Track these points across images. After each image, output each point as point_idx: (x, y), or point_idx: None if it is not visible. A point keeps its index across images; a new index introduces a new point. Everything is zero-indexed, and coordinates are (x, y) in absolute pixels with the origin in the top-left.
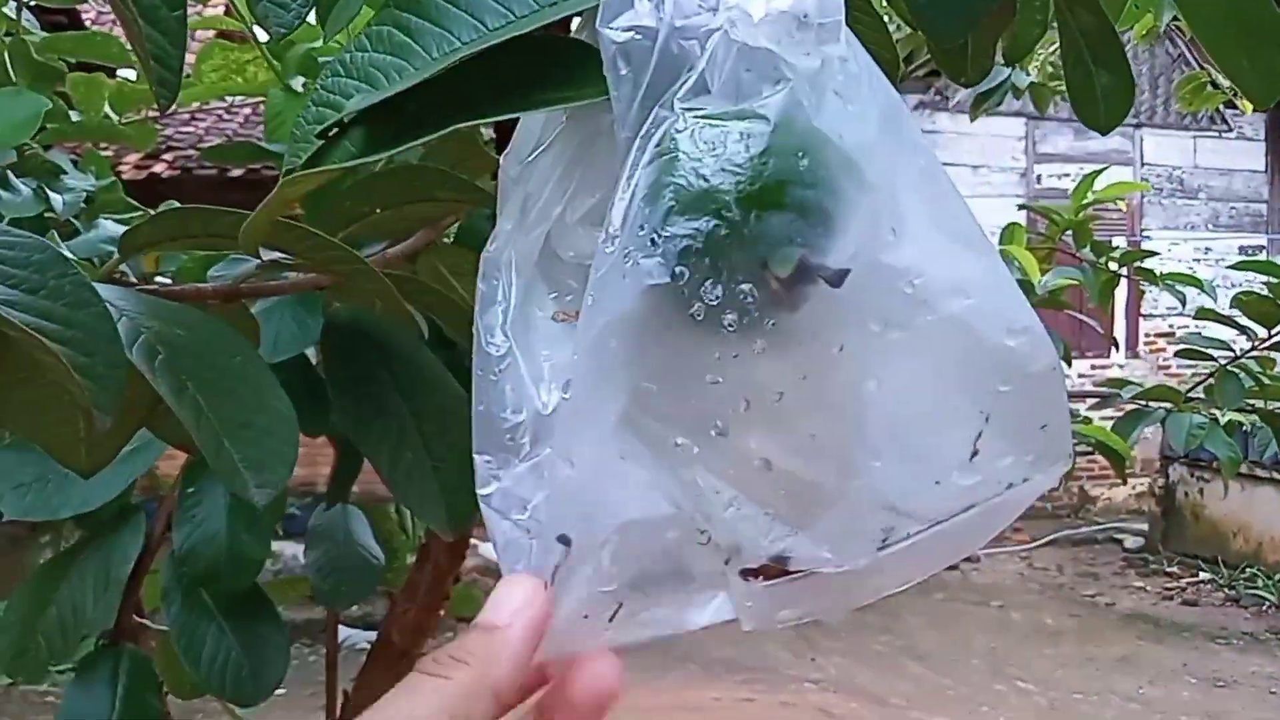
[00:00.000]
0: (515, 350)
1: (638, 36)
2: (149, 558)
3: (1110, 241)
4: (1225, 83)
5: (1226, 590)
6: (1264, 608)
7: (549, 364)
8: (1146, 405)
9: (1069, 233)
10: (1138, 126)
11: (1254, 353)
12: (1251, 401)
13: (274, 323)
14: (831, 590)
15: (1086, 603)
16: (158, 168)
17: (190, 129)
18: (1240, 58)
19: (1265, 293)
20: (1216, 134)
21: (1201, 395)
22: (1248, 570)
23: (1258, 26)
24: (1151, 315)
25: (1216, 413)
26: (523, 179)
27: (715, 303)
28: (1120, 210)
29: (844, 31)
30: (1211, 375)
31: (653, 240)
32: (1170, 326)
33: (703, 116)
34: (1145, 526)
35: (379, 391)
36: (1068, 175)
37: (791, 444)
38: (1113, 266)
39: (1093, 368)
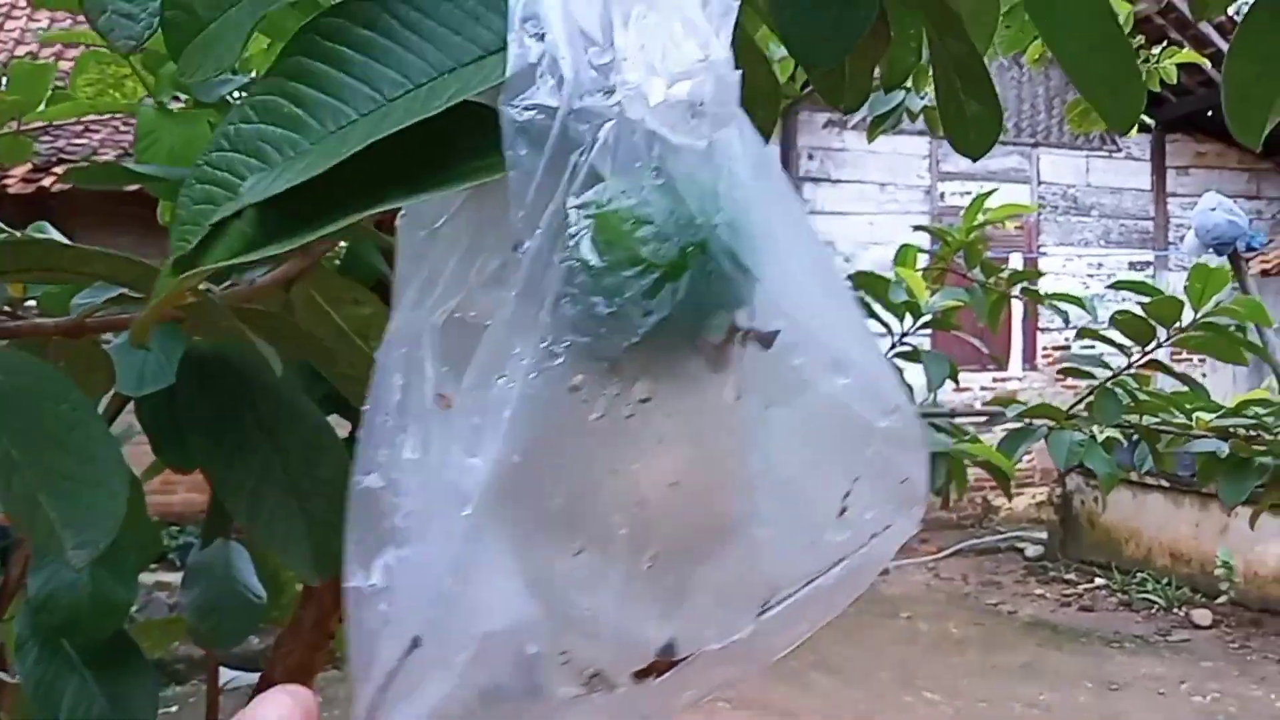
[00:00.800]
0: (404, 434)
1: (539, 115)
2: (3, 604)
3: (1007, 258)
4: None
5: (1120, 595)
6: (1154, 610)
7: (433, 452)
8: (1030, 423)
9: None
10: (1034, 146)
11: (1130, 370)
12: (1129, 417)
13: (138, 356)
14: (723, 663)
15: (990, 611)
16: (47, 181)
17: (83, 141)
18: (1101, 88)
19: (1140, 311)
20: (1107, 154)
21: (1084, 412)
22: (1139, 575)
23: (1115, 60)
24: (1049, 329)
25: (1095, 430)
26: (425, 253)
27: (608, 402)
28: (1018, 227)
29: (738, 117)
30: (1092, 392)
31: (551, 352)
32: (1066, 340)
33: (598, 209)
34: (1045, 535)
35: (239, 426)
36: (969, 193)
37: (678, 531)
38: (1003, 286)
39: (994, 380)
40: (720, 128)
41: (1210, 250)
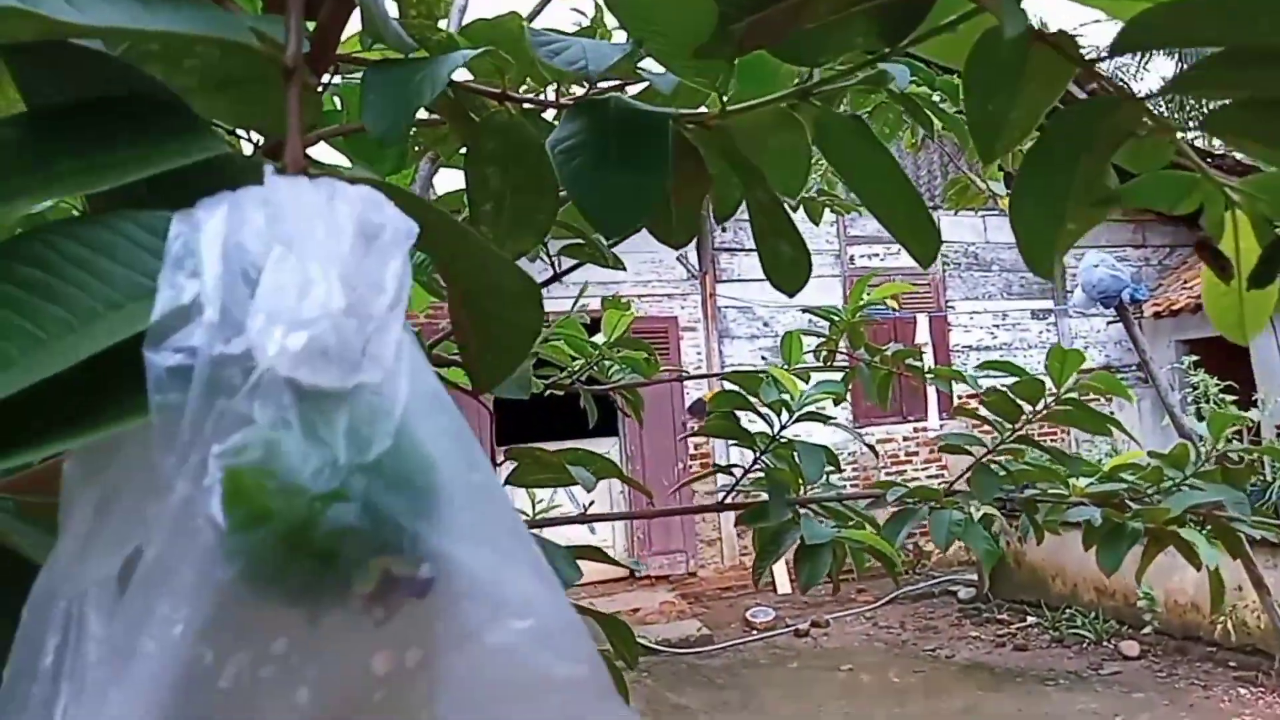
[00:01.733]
0: (58, 700)
1: (185, 360)
2: None
3: (915, 319)
4: (983, 185)
5: (1051, 632)
6: (1084, 645)
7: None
8: (914, 504)
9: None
10: (934, 209)
11: (1003, 446)
12: (1007, 488)
13: None
14: None
15: (928, 657)
16: None
17: None
18: (903, 231)
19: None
20: (1001, 212)
21: (965, 488)
22: (1068, 611)
23: (910, 208)
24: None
25: (973, 507)
26: (89, 498)
27: (238, 666)
28: (926, 285)
29: (395, 357)
30: (969, 469)
31: (171, 619)
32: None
33: (232, 462)
34: (975, 577)
35: None
36: (877, 255)
37: None
38: (889, 364)
39: (914, 430)
40: (352, 374)
41: (1097, 304)
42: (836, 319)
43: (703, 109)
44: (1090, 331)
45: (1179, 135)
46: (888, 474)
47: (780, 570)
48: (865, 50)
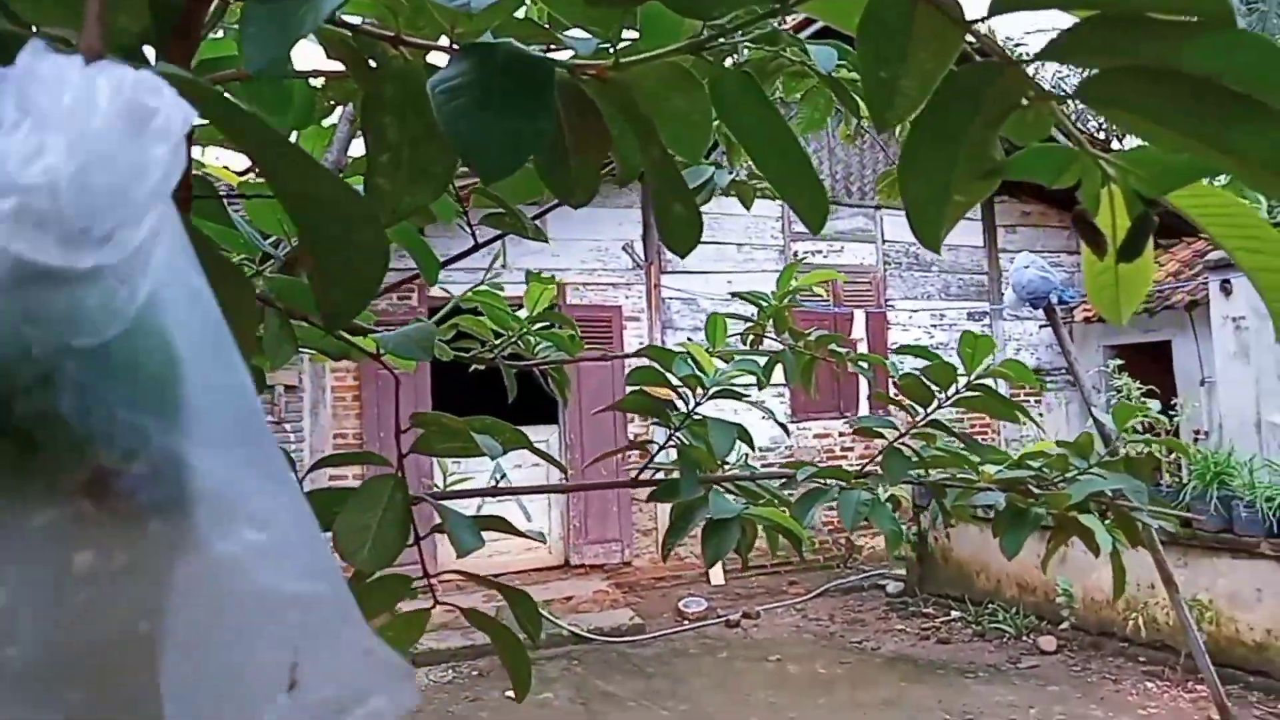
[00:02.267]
0: None
1: None
2: None
3: (852, 314)
4: None
5: (974, 626)
6: (1005, 639)
7: None
8: (825, 484)
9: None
10: (877, 208)
11: (915, 429)
12: (915, 472)
13: None
14: None
15: (855, 649)
16: None
17: None
18: (796, 194)
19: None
20: None
21: (878, 470)
22: (990, 606)
23: (803, 177)
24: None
25: (881, 489)
26: None
27: None
28: (868, 283)
29: (146, 246)
30: (880, 452)
31: None
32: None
33: None
34: (904, 571)
35: None
36: (820, 251)
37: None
38: (812, 349)
39: (848, 424)
40: (81, 253)
41: (1027, 304)
42: (764, 305)
43: (599, 60)
44: (1024, 334)
45: (1060, 107)
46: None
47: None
48: (760, 5)
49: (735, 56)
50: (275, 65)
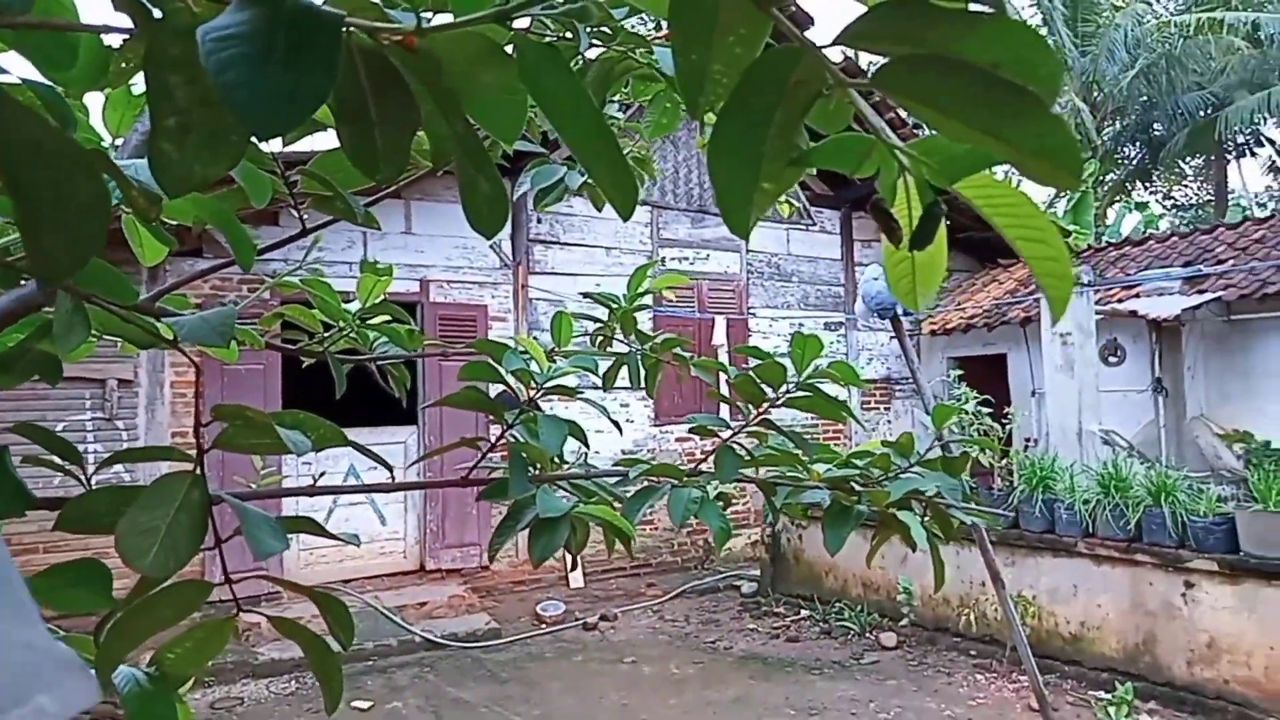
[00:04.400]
0: None
1: None
2: None
3: (714, 320)
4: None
5: (822, 624)
6: (849, 636)
7: None
8: (657, 482)
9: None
10: None
11: (748, 429)
12: (745, 471)
13: None
14: None
15: (708, 649)
16: None
17: None
18: (601, 172)
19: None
20: (804, 227)
21: (710, 469)
22: (837, 605)
23: (610, 155)
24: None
25: (711, 486)
26: None
27: None
28: (731, 292)
29: None
30: (714, 451)
31: None
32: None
33: None
34: (758, 572)
35: None
36: (686, 258)
37: None
38: (658, 351)
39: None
40: None
41: (875, 315)
42: (614, 307)
43: (402, 25)
44: (875, 345)
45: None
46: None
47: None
48: None
49: (583, 56)
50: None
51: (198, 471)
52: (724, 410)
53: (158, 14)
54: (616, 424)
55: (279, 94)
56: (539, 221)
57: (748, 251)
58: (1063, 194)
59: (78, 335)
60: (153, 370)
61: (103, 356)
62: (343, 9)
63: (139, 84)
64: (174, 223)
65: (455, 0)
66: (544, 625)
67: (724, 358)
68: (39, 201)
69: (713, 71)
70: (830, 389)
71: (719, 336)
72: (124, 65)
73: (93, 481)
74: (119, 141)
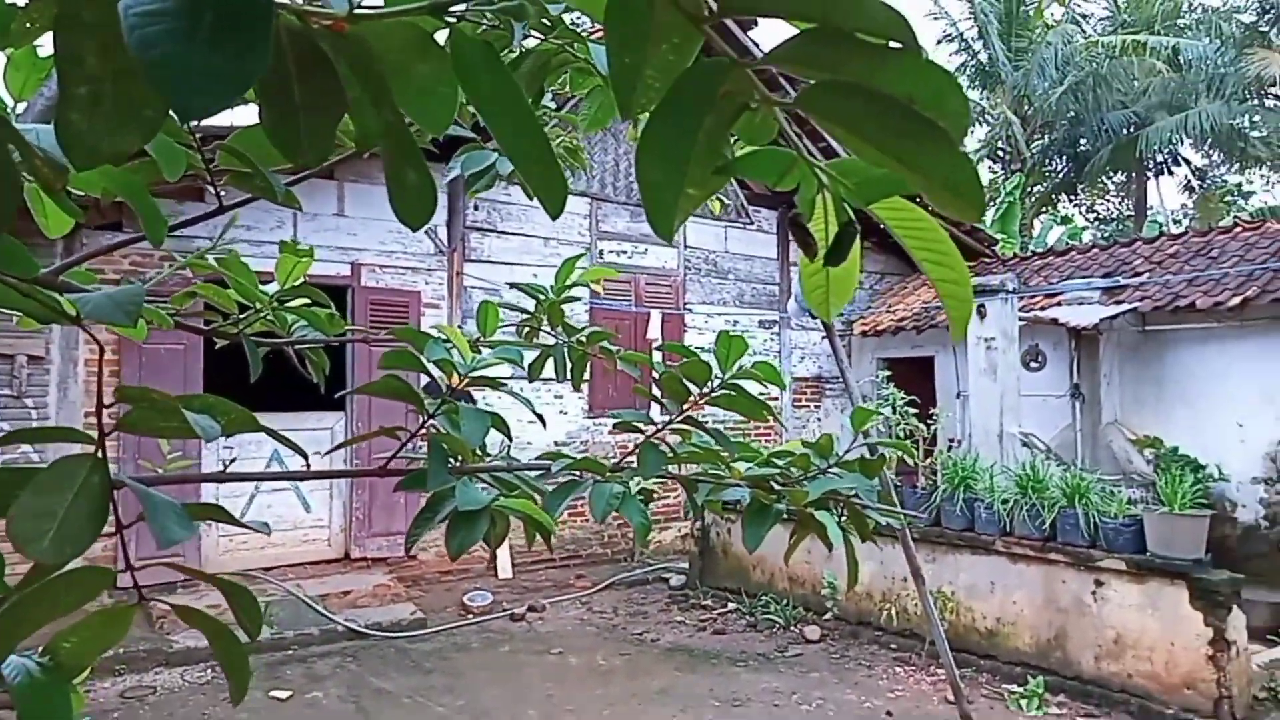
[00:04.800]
0: None
1: None
2: None
3: (649, 315)
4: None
5: (748, 617)
6: (774, 629)
7: None
8: (580, 476)
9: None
10: None
11: (672, 425)
12: (668, 467)
13: None
14: None
15: (635, 640)
16: None
17: None
18: (531, 171)
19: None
20: (742, 226)
21: (635, 464)
22: (764, 598)
23: (537, 150)
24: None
25: (633, 482)
26: None
27: None
28: (668, 286)
29: None
30: (637, 446)
31: None
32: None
33: None
34: (687, 565)
35: None
36: (625, 251)
37: None
38: (585, 345)
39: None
40: None
41: (807, 314)
42: (542, 298)
43: (335, 13)
44: (807, 344)
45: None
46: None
47: (503, 554)
48: None
49: (517, 48)
50: None
51: (99, 455)
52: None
53: None
54: (540, 417)
55: (207, 74)
56: (476, 209)
57: (686, 248)
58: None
59: None
60: (65, 347)
61: (12, 331)
62: None
63: (45, 45)
64: (82, 194)
65: None
66: (471, 615)
67: (657, 353)
68: None
69: (645, 75)
70: (759, 388)
71: (654, 331)
72: (28, 25)
73: None
74: (21, 108)
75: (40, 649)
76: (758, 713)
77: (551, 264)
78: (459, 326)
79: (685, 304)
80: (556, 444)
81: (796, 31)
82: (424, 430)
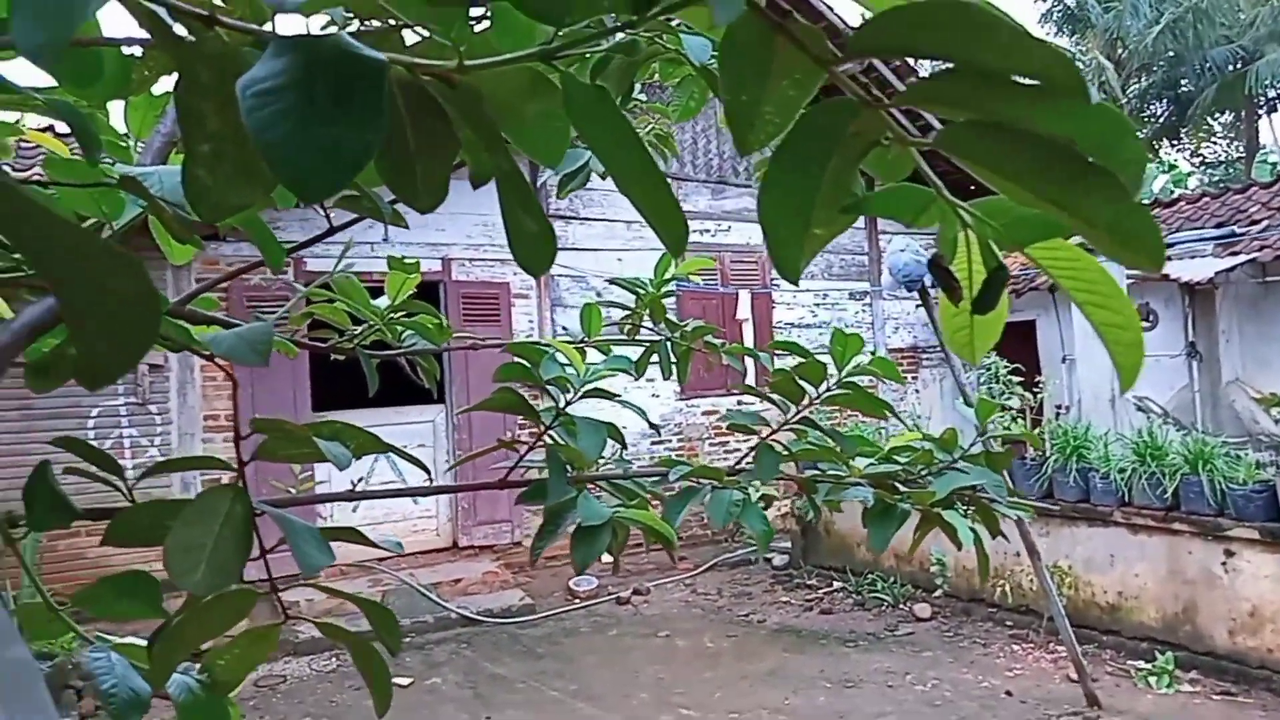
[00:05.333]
0: None
1: None
2: None
3: (737, 294)
4: None
5: (855, 596)
6: (883, 608)
7: None
8: (697, 483)
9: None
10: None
11: (786, 427)
12: (784, 467)
13: None
14: None
15: (741, 622)
16: None
17: None
18: (654, 216)
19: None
20: None
21: (750, 466)
22: (870, 576)
23: (657, 192)
24: (782, 355)
25: (753, 487)
26: None
27: None
28: (752, 263)
29: None
30: (753, 449)
31: None
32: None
33: None
34: (790, 544)
35: None
36: (708, 230)
37: None
38: (689, 340)
39: (738, 403)
40: None
41: (903, 287)
42: (641, 292)
43: (444, 61)
44: (901, 313)
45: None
46: (711, 444)
47: None
48: (615, 15)
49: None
50: (51, 49)
51: (239, 484)
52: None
53: (180, 29)
54: (655, 427)
55: (324, 155)
56: (559, 197)
57: None
58: None
59: None
60: (183, 355)
61: None
62: (381, 47)
63: (160, 85)
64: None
65: (499, 29)
66: (577, 600)
67: (748, 332)
68: (83, 309)
69: (763, 111)
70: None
71: (744, 311)
72: (145, 73)
73: (132, 478)
74: (141, 145)
75: (198, 667)
76: (871, 693)
77: (635, 248)
78: (549, 315)
79: (772, 280)
80: (650, 426)
81: (929, 73)
82: (536, 443)
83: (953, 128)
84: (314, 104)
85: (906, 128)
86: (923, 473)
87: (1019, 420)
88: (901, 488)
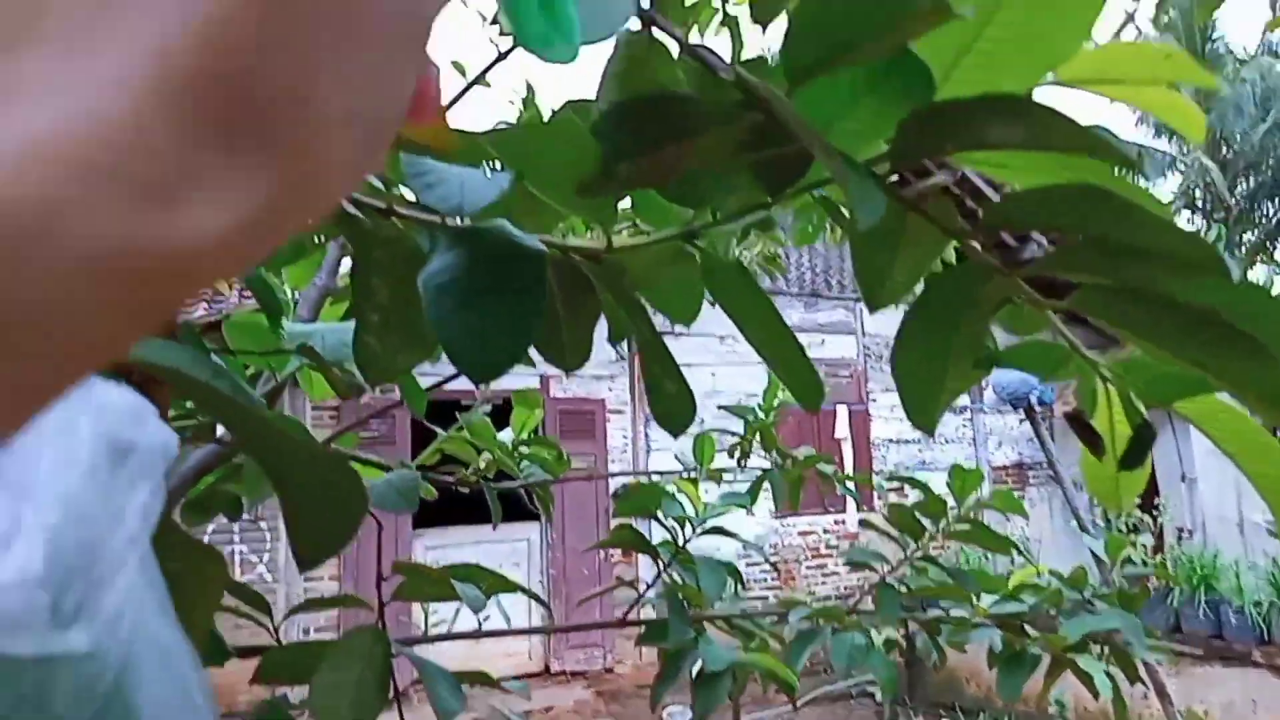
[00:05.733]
0: None
1: None
2: None
3: (835, 410)
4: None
5: None
6: None
7: None
8: (817, 624)
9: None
10: (857, 300)
11: (906, 564)
12: (908, 604)
13: None
14: None
15: None
16: None
17: None
18: (790, 377)
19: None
20: None
21: (868, 607)
22: (980, 716)
23: (790, 353)
24: (880, 471)
25: (874, 632)
26: None
27: None
28: (848, 377)
29: (116, 615)
30: (873, 587)
31: None
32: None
33: None
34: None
35: None
36: (804, 345)
37: None
38: (799, 467)
39: (834, 523)
40: (50, 641)
41: (1007, 403)
42: (751, 419)
43: (592, 242)
44: (1004, 428)
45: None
46: (809, 567)
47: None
48: (748, 198)
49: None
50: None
51: (380, 625)
52: (849, 504)
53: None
54: (774, 566)
55: (490, 344)
56: (653, 312)
57: (865, 335)
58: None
59: (265, 487)
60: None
61: None
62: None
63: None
64: None
65: (641, 212)
66: None
67: (847, 451)
68: (303, 504)
69: (893, 274)
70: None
71: (842, 429)
72: (315, 241)
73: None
74: (298, 295)
75: None
76: None
77: (729, 362)
78: (643, 430)
79: (867, 394)
80: (746, 546)
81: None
82: (655, 581)
83: (1087, 290)
84: (477, 296)
85: (1064, 330)
86: (1051, 612)
87: (1138, 546)
88: (1030, 630)
